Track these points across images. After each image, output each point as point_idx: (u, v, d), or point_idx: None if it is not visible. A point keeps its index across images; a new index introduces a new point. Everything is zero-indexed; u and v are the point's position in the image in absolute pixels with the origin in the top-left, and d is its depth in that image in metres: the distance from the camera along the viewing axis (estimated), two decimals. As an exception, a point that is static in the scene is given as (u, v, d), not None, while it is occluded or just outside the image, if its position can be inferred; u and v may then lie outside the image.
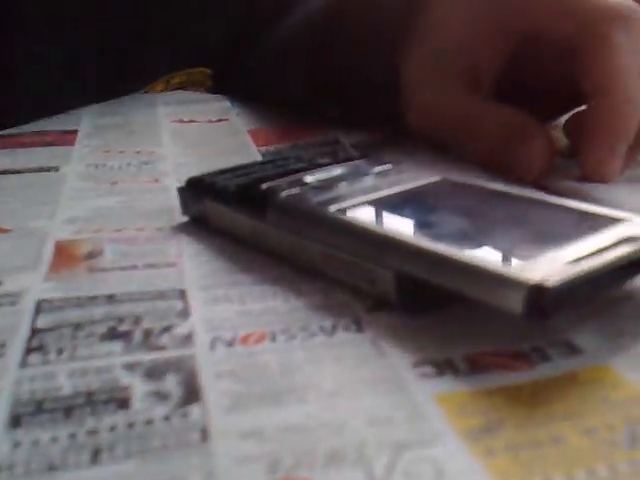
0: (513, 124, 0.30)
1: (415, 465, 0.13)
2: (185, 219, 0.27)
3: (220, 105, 0.47)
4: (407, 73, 0.33)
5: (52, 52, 0.44)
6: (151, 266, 0.23)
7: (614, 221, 0.19)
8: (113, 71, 0.47)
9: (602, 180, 0.28)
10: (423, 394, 0.16)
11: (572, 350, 0.17)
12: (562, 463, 0.13)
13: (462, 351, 0.18)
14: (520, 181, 0.29)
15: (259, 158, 0.36)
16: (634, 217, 0.20)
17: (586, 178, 0.28)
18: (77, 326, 0.19)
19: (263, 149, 0.38)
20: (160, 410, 0.15)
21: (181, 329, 0.19)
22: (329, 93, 0.38)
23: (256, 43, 0.45)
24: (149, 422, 0.15)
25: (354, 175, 0.25)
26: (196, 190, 0.27)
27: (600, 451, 0.14)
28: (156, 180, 0.33)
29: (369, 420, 0.15)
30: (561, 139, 0.35)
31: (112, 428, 0.15)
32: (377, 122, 0.37)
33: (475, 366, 0.17)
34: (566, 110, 0.37)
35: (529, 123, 0.30)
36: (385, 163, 0.27)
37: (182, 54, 0.50)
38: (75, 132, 0.41)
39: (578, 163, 0.28)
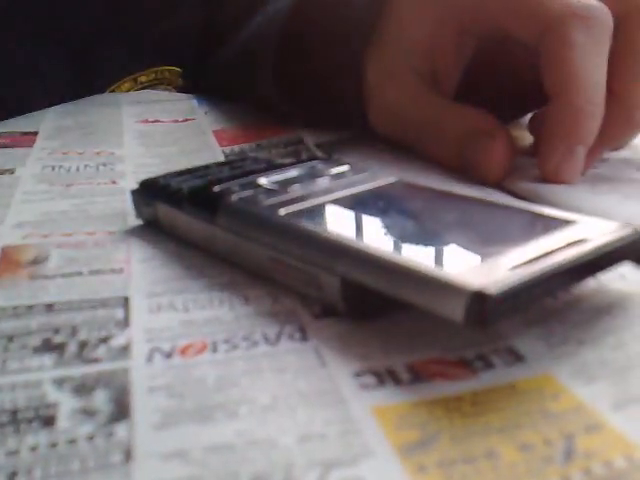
0: (474, 125, 0.30)
1: (343, 484, 0.13)
2: (139, 223, 0.26)
3: (187, 105, 0.47)
4: (370, 74, 0.33)
5: (14, 52, 0.43)
6: (96, 272, 0.22)
7: (564, 223, 0.19)
8: (78, 70, 0.46)
9: (561, 182, 0.27)
10: (361, 407, 0.15)
11: (515, 357, 0.17)
12: (494, 480, 0.13)
13: (406, 359, 0.17)
14: (482, 182, 0.29)
15: (222, 158, 0.35)
16: (584, 219, 0.19)
17: (545, 179, 0.27)
18: (11, 338, 0.18)
19: (227, 149, 0.37)
20: (85, 429, 0.15)
21: (118, 340, 0.18)
22: (295, 93, 0.37)
23: (224, 42, 0.45)
24: (72, 442, 0.14)
25: (309, 177, 0.25)
26: (149, 193, 0.26)
27: (534, 468, 0.13)
28: (113, 182, 0.32)
29: (301, 437, 0.14)
30: (525, 138, 0.35)
31: (33, 449, 0.14)
32: (342, 123, 0.36)
33: (417, 375, 0.16)
34: (533, 109, 0.37)
35: (490, 123, 0.30)
36: (343, 164, 0.26)
37: (150, 53, 0.49)
38: (35, 134, 0.40)
39: (538, 164, 0.28)
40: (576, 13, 0.27)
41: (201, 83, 0.49)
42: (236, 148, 0.37)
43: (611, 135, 0.29)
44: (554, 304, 0.19)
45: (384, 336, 0.18)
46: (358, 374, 0.17)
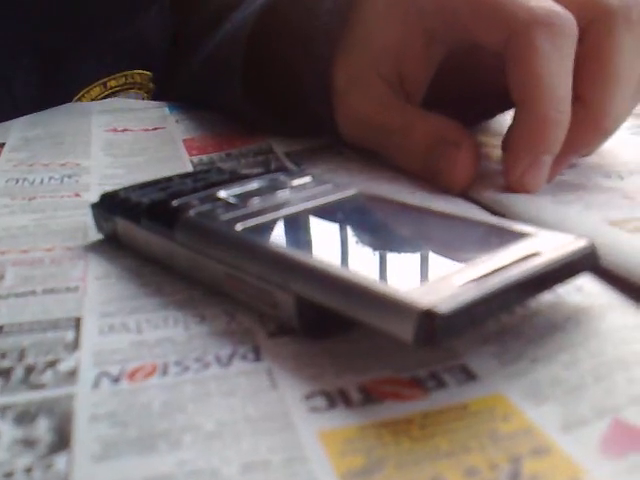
0: (440, 134, 0.29)
1: (282, 516, 0.13)
2: (100, 237, 0.26)
3: (159, 113, 0.46)
4: (337, 80, 0.33)
5: None
6: (50, 291, 0.22)
7: (519, 236, 0.19)
8: (46, 78, 0.45)
9: (525, 191, 0.27)
10: (308, 432, 0.15)
11: (468, 376, 0.16)
12: (436, 509, 0.13)
13: (358, 379, 0.17)
14: (447, 191, 0.29)
15: (190, 168, 0.35)
16: (539, 232, 0.19)
17: (509, 189, 0.27)
18: (-44, 364, 0.18)
19: (196, 158, 0.37)
20: (24, 460, 0.14)
21: (66, 364, 0.18)
22: (263, 102, 0.37)
23: (193, 49, 0.44)
24: (9, 475, 0.14)
25: (270, 189, 0.25)
26: (108, 207, 0.26)
27: (478, 494, 0.13)
28: (77, 194, 0.31)
29: (244, 466, 0.14)
30: (491, 143, 0.34)
31: (-33, 483, 0.14)
32: (311, 131, 0.36)
33: (369, 396, 0.16)
34: (499, 112, 0.37)
35: (456, 132, 0.29)
36: (305, 176, 0.26)
37: (119, 57, 0.49)
38: (2, 145, 0.39)
39: (502, 173, 0.28)
40: (540, 20, 0.26)
41: (172, 89, 0.49)
42: (205, 158, 0.37)
43: (578, 142, 0.28)
44: (510, 319, 0.19)
45: (338, 355, 0.18)
46: (309, 396, 0.16)
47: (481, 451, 0.14)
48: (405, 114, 0.31)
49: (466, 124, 0.30)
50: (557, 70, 0.26)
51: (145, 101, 0.50)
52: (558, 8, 0.27)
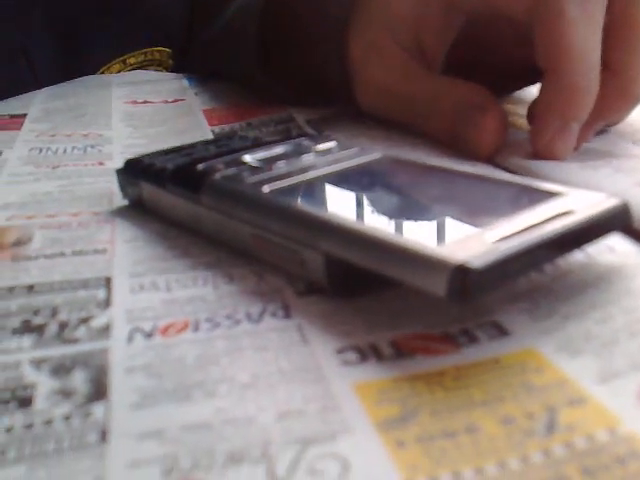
0: (465, 99, 0.29)
1: (320, 461, 0.13)
2: (125, 203, 0.26)
3: (178, 85, 0.46)
4: (354, 50, 0.32)
5: (2, 36, 0.43)
6: (79, 253, 0.22)
7: (551, 195, 0.19)
8: (66, 54, 0.45)
9: (553, 158, 0.27)
10: (341, 383, 0.15)
11: (500, 332, 0.16)
12: (473, 455, 0.13)
13: (389, 335, 0.17)
14: (473, 158, 0.28)
15: (211, 137, 0.35)
16: (571, 191, 0.19)
17: (537, 155, 0.27)
18: (-10, 320, 0.18)
19: (217, 128, 0.37)
20: (62, 409, 0.15)
21: (99, 321, 0.18)
22: (280, 72, 0.37)
23: (209, 20, 0.44)
24: (48, 422, 0.14)
25: (295, 154, 0.24)
26: (134, 172, 0.26)
27: (515, 441, 0.13)
28: (100, 163, 0.32)
29: (279, 414, 0.14)
30: (517, 112, 0.34)
31: (8, 430, 0.14)
32: (327, 100, 0.36)
33: (400, 351, 0.16)
34: (521, 86, 0.36)
35: (481, 97, 0.29)
36: (329, 141, 0.26)
37: (139, 34, 0.49)
38: (24, 116, 0.39)
39: (530, 140, 0.28)
40: None
41: (191, 62, 0.49)
42: (226, 127, 0.37)
43: (607, 109, 0.28)
44: (541, 278, 0.18)
45: (368, 313, 0.18)
46: (340, 351, 0.16)
47: (515, 401, 0.14)
48: (429, 81, 0.31)
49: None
50: (587, 36, 0.26)
51: (163, 73, 0.50)
52: None
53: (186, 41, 0.49)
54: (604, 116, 0.28)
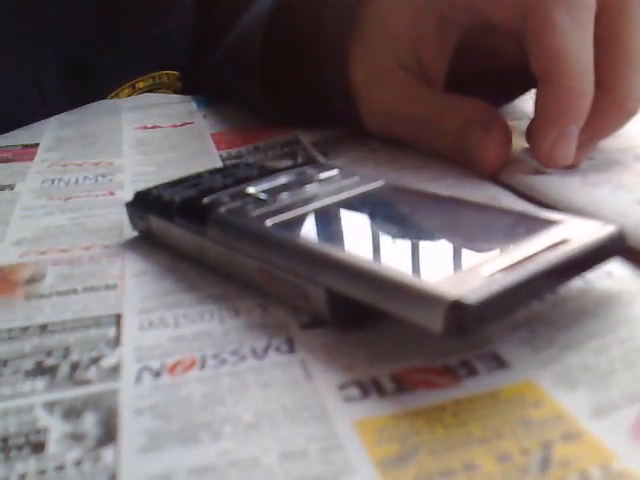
0: (469, 116, 0.29)
1: (321, 503, 0.13)
2: (135, 234, 0.27)
3: (186, 108, 0.47)
4: (356, 73, 0.33)
5: (15, 68, 0.44)
6: (90, 289, 0.23)
7: (547, 224, 0.19)
8: (76, 81, 0.46)
9: (556, 164, 0.27)
10: (344, 421, 0.15)
11: (499, 364, 0.17)
12: (470, 494, 0.13)
13: (391, 369, 0.17)
14: (477, 176, 0.29)
15: (219, 162, 0.36)
16: (568, 219, 0.19)
17: (541, 164, 0.27)
18: (4, 362, 0.19)
19: (224, 152, 0.37)
20: (73, 454, 0.15)
21: (109, 360, 0.19)
22: (282, 94, 0.37)
23: (215, 41, 0.45)
24: (60, 468, 0.15)
25: (298, 183, 0.25)
26: (142, 205, 0.26)
27: (510, 478, 0.13)
28: (111, 193, 0.32)
29: (283, 455, 0.14)
30: (519, 127, 0.34)
31: (22, 476, 0.15)
32: (332, 123, 0.36)
33: (401, 385, 0.17)
34: (518, 95, 0.37)
35: (485, 113, 0.29)
36: (332, 169, 0.26)
37: (148, 58, 0.49)
38: (36, 146, 0.40)
39: (531, 150, 0.28)
40: None
41: (198, 86, 0.49)
42: (233, 152, 0.37)
43: (603, 125, 0.28)
44: (540, 306, 0.19)
45: (370, 345, 0.18)
46: (342, 386, 0.17)
47: (513, 437, 0.14)
48: (432, 101, 0.31)
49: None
50: (577, 43, 0.26)
51: (172, 95, 0.51)
52: None
53: (194, 63, 0.50)
54: (602, 131, 0.28)
